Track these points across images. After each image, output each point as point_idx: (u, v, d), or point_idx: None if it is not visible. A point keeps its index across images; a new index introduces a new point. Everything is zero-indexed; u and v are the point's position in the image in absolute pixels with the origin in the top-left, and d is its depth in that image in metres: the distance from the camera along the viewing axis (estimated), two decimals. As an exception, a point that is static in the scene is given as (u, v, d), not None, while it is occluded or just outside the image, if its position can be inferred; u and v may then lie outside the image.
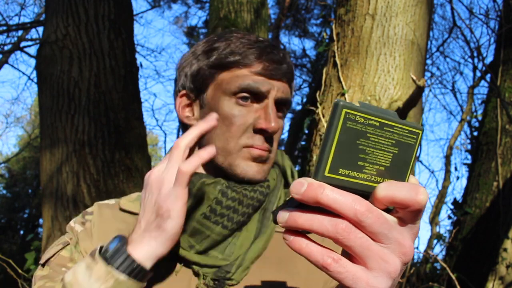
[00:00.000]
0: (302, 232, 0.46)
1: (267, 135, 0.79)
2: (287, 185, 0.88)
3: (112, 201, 0.89)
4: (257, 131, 0.79)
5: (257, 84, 0.78)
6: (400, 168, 0.47)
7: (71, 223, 0.86)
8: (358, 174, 0.45)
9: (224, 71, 0.80)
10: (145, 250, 0.66)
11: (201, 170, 0.83)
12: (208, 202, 0.76)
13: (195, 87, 0.84)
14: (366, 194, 0.46)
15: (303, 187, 0.43)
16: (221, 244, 0.77)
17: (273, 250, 0.80)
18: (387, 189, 0.45)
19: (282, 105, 0.82)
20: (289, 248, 0.81)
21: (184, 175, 0.65)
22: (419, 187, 0.45)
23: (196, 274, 0.76)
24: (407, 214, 0.46)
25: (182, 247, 0.76)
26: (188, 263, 0.77)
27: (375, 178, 0.46)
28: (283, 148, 5.97)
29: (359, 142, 0.44)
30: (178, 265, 0.77)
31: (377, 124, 0.45)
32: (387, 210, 0.47)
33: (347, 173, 0.45)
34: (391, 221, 0.46)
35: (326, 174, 0.44)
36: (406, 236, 0.47)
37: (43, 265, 0.80)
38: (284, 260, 0.80)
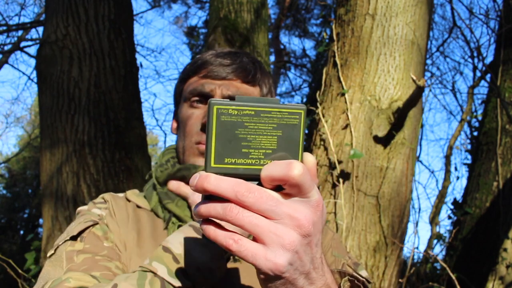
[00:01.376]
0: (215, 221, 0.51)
1: None
2: None
3: (120, 194, 0.96)
4: (203, 127, 0.86)
5: (200, 86, 0.88)
6: (290, 148, 0.51)
7: (84, 207, 0.89)
8: (245, 160, 0.50)
9: (184, 83, 0.94)
10: None
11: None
12: None
13: (175, 103, 1.00)
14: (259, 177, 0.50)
15: (195, 179, 0.49)
16: None
17: None
18: (266, 170, 0.49)
19: None
20: None
21: None
22: (293, 163, 0.48)
23: None
24: (290, 189, 0.50)
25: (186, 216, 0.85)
26: None
27: (264, 162, 0.50)
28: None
29: (238, 132, 0.49)
30: None
31: (253, 112, 0.49)
32: (279, 189, 0.50)
33: (233, 161, 0.50)
34: (277, 197, 0.50)
35: (213, 165, 0.49)
36: (298, 209, 0.50)
37: (74, 238, 0.79)
38: None
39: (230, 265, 0.79)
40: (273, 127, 0.50)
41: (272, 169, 0.49)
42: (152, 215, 0.90)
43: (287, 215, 0.49)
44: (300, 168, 0.48)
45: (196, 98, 0.89)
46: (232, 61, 0.89)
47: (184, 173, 0.87)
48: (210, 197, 0.50)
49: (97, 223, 0.84)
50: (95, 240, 0.80)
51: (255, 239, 0.50)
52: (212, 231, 0.50)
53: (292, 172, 0.48)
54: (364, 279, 0.78)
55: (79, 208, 0.91)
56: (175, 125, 1.00)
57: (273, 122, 0.50)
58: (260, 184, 0.50)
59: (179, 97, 0.96)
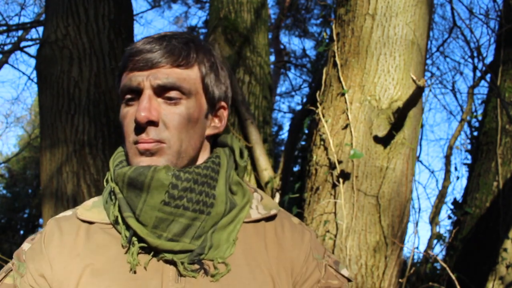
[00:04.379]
0: None
1: (144, 126, 0.77)
2: (236, 165, 0.88)
3: (68, 212, 0.87)
4: (136, 126, 0.78)
5: (128, 82, 0.80)
6: None
7: (19, 248, 0.85)
8: None
9: (119, 82, 0.84)
10: None
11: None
12: (164, 188, 0.75)
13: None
14: None
15: None
16: (189, 228, 0.77)
17: (239, 242, 0.82)
18: None
19: (170, 90, 0.79)
20: (254, 240, 0.85)
21: None
22: None
23: (170, 262, 0.76)
24: None
25: (151, 238, 0.75)
26: (158, 253, 0.76)
27: None
28: (282, 148, 5.97)
29: None
30: (148, 256, 0.76)
31: None
32: None
33: None
34: None
35: None
36: None
37: None
38: (248, 251, 0.82)
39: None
40: None
41: None
42: (111, 230, 0.82)
43: None
44: None
45: (129, 96, 0.80)
46: (158, 46, 0.80)
47: (134, 174, 0.77)
48: None
49: (11, 270, 0.80)
50: None
51: None
52: None
53: None
54: (346, 278, 0.86)
55: (16, 251, 0.86)
56: None
57: None
58: None
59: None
